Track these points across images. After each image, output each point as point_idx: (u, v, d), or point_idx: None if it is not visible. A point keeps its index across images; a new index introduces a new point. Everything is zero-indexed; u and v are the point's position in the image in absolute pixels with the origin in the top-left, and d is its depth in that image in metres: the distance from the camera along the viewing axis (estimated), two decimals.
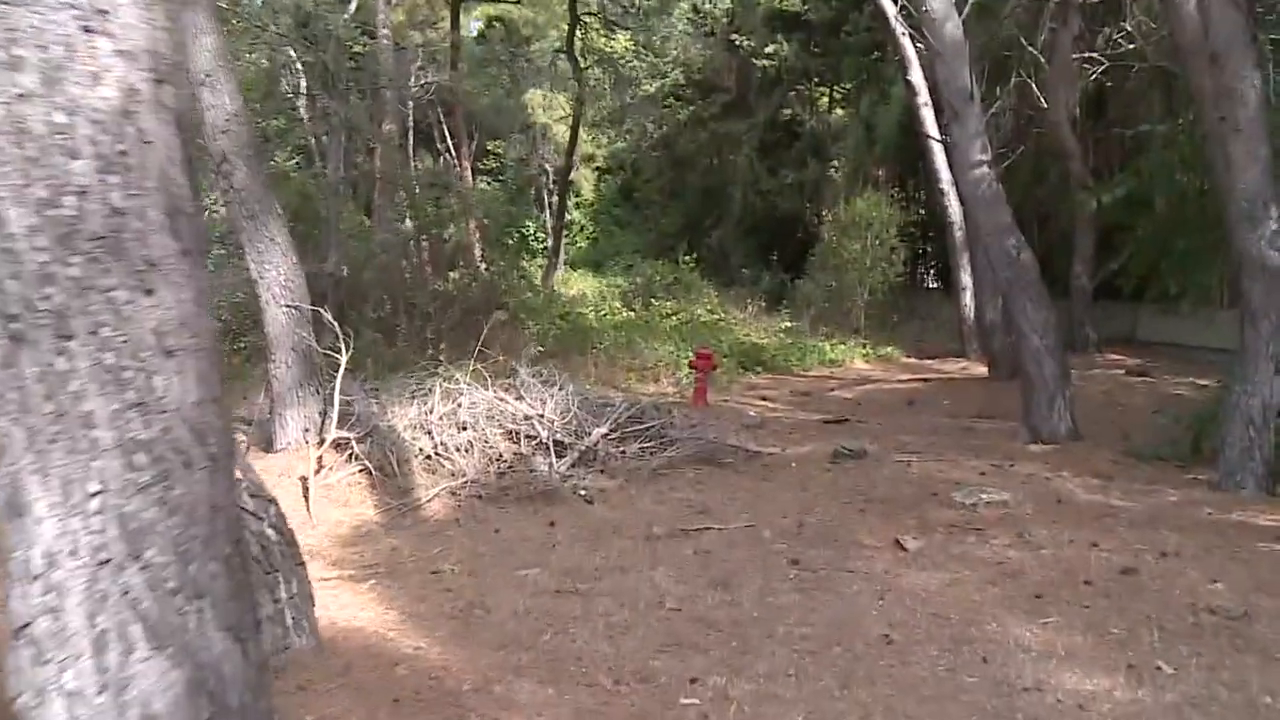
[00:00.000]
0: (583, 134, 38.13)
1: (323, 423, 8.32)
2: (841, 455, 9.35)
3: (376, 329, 14.37)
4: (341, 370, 8.21)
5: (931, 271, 30.08)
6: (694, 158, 34.21)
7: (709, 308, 23.29)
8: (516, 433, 8.55)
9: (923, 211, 26.60)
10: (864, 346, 20.59)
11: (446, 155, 31.11)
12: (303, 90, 19.43)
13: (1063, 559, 6.19)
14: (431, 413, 8.50)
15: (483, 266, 20.45)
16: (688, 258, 26.13)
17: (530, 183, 38.51)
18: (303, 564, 4.23)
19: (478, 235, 22.71)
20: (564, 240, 36.59)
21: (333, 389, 8.13)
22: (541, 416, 8.70)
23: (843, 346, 20.41)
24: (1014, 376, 12.83)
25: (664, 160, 36.48)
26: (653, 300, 24.07)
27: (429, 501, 7.56)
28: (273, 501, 4.14)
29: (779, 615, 5.33)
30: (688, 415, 11.52)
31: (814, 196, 30.22)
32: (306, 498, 7.51)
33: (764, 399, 14.73)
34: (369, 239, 15.80)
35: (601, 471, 8.49)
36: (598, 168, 40.18)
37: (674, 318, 21.91)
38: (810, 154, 31.16)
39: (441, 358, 13.39)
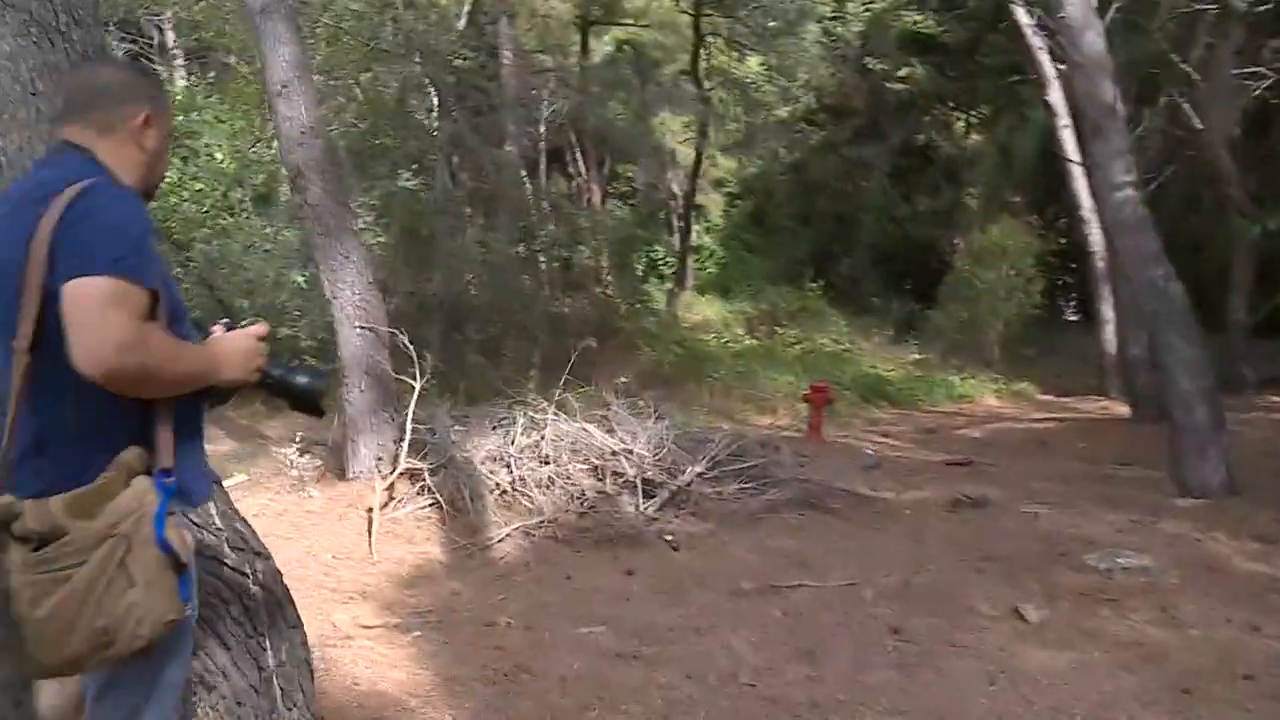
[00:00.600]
0: (712, 157, 37.68)
1: (397, 452, 7.82)
2: (962, 503, 8.49)
3: (481, 352, 13.92)
4: (415, 396, 7.72)
5: (1071, 303, 28.65)
6: (825, 183, 33.29)
7: (834, 337, 22.42)
8: (603, 469, 7.92)
9: (1062, 240, 25.30)
10: (996, 381, 19.46)
11: (579, 179, 30.86)
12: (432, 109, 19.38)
13: (1216, 643, 5.30)
14: (512, 444, 7.91)
15: (608, 291, 20.01)
16: (814, 284, 25.26)
17: (661, 206, 38.08)
18: (298, 625, 3.63)
19: (606, 259, 22.33)
20: (692, 265, 36.09)
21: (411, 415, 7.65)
22: (630, 452, 8.05)
23: (973, 381, 19.32)
24: (1160, 419, 11.72)
25: (795, 185, 35.62)
26: (777, 328, 23.30)
27: (500, 542, 6.97)
28: (261, 555, 3.55)
29: (869, 697, 4.58)
30: (799, 452, 10.76)
31: (948, 224, 29.05)
32: (370, 532, 7.00)
33: (885, 436, 13.84)
34: (478, 259, 15.38)
35: (693, 514, 7.79)
36: (728, 192, 39.58)
37: (797, 346, 21.11)
38: (944, 180, 30.13)
39: (542, 385, 12.91)
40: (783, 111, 36.48)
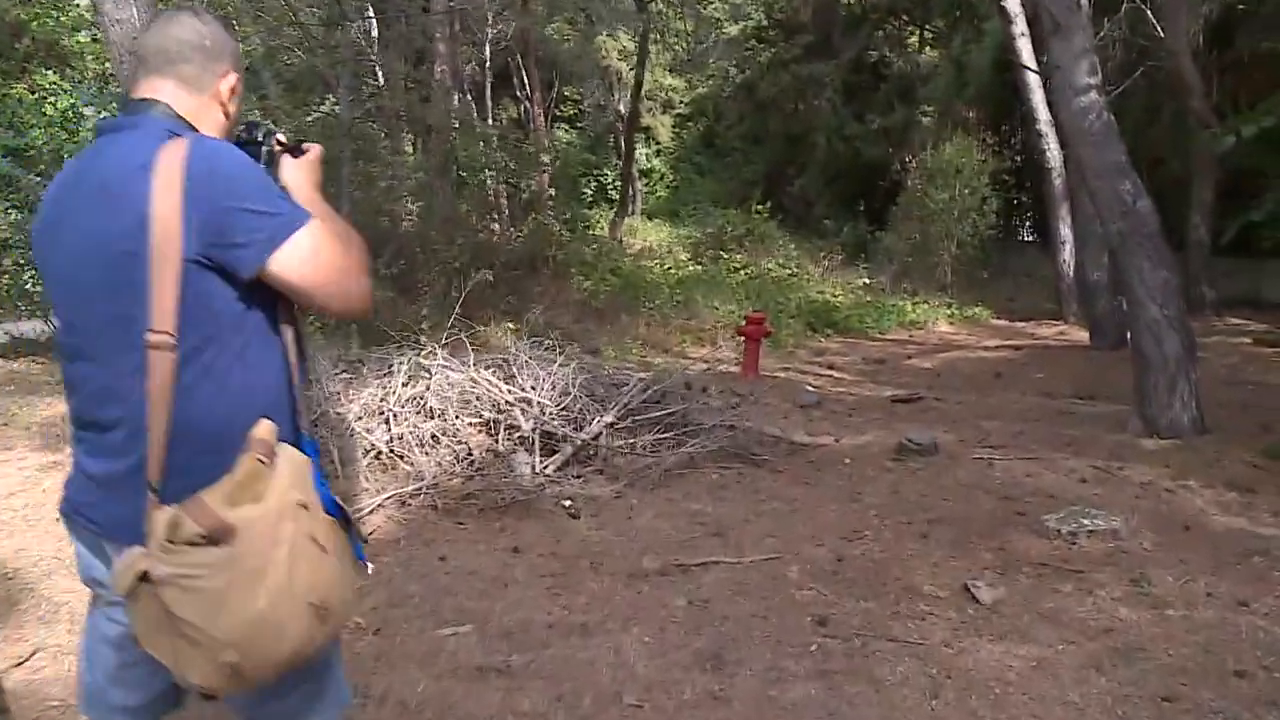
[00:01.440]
0: (661, 78, 36.47)
1: None
2: (907, 450, 7.59)
3: (392, 289, 12.82)
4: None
5: (1027, 224, 27.84)
6: (776, 102, 32.17)
7: (781, 261, 21.44)
8: (496, 423, 6.93)
9: (1018, 158, 24.42)
10: (949, 307, 18.61)
11: (526, 103, 29.55)
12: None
13: (1199, 628, 4.45)
14: (393, 396, 6.89)
15: (541, 218, 18.85)
16: (761, 206, 24.23)
17: (610, 130, 36.92)
18: None
19: (551, 187, 21.18)
20: (641, 189, 35.05)
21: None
22: (529, 402, 7.06)
23: (925, 306, 18.46)
24: (1120, 345, 10.90)
25: (745, 105, 34.53)
26: (723, 253, 22.29)
27: (370, 514, 5.97)
28: None
29: None
30: (732, 391, 9.84)
31: (901, 143, 28.08)
32: None
33: (830, 368, 12.94)
34: (394, 186, 14.18)
35: (600, 473, 6.84)
36: (678, 114, 38.47)
37: (742, 272, 20.14)
38: (897, 97, 29.13)
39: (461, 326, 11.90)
40: (733, 29, 35.45)
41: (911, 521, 5.98)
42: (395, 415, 6.74)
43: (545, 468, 6.61)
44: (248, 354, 1.94)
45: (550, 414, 7.02)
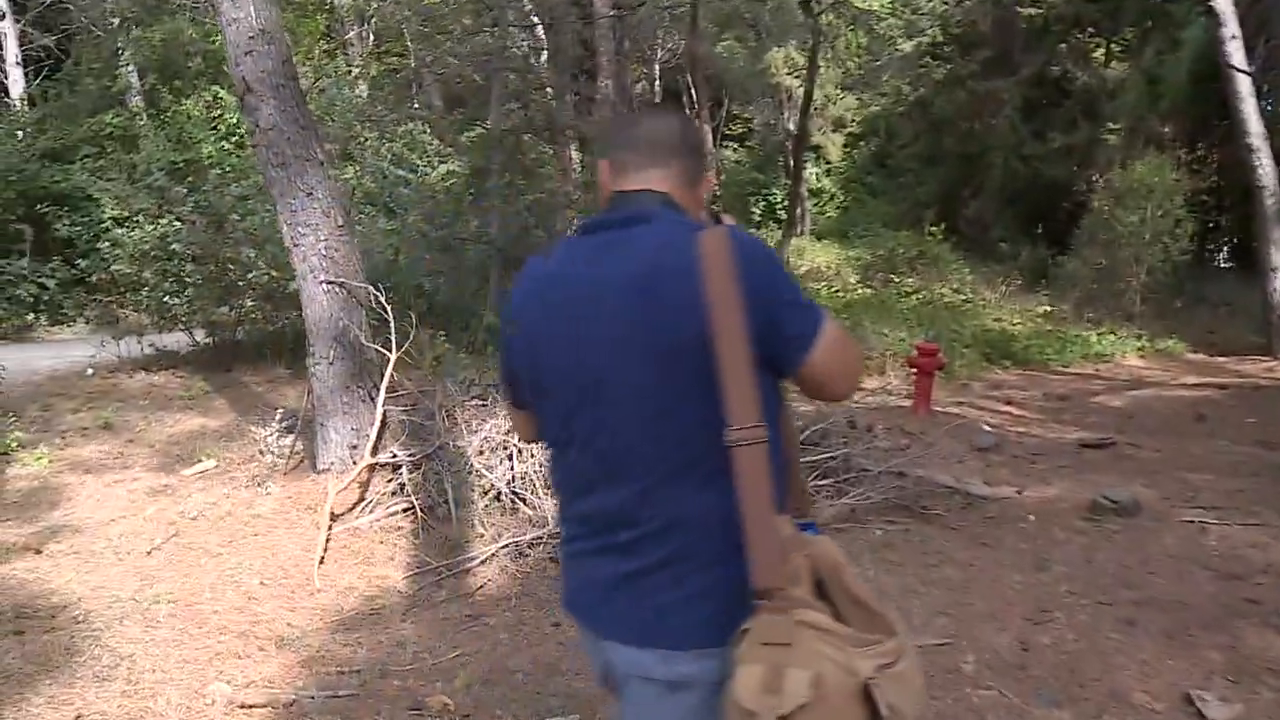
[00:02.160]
0: (832, 95, 35.50)
1: (379, 437, 6.24)
2: (1102, 508, 6.56)
3: None
4: (390, 367, 6.12)
5: (1225, 249, 25.84)
6: (951, 120, 30.76)
7: (955, 286, 20.22)
8: None
9: (1216, 178, 22.62)
10: (1139, 338, 17.10)
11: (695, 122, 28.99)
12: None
13: None
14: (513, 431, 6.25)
15: None
16: (934, 228, 23.01)
17: (779, 149, 36.09)
18: None
19: (718, 206, 20.50)
20: (810, 209, 34.10)
21: (406, 393, 6.06)
22: None
23: (1112, 338, 16.99)
24: None
25: (919, 124, 33.16)
26: (894, 277, 21.18)
27: (481, 564, 5.32)
28: None
29: None
30: (901, 429, 8.92)
31: (1085, 162, 26.39)
32: (326, 545, 5.43)
33: (1009, 404, 11.81)
34: (540, 199, 13.65)
35: None
36: (850, 133, 37.34)
37: (914, 297, 19.01)
38: (1081, 114, 27.38)
39: None
40: (906, 45, 34.25)
41: (1112, 602, 5.01)
42: (519, 451, 6.07)
43: None
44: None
45: None
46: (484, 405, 6.84)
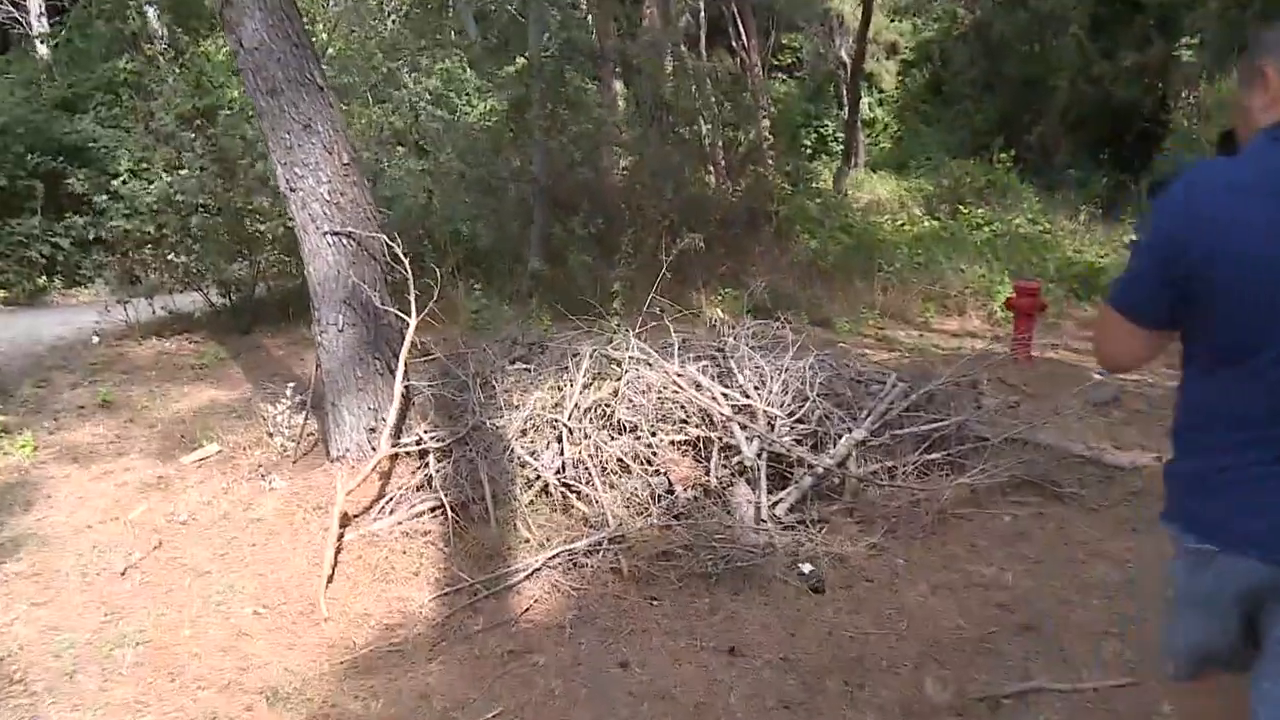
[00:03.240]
0: (883, 20, 33.88)
1: (401, 418, 5.22)
2: None
3: (591, 251, 11.15)
4: (411, 332, 5.07)
5: None
6: (1011, 43, 29.07)
7: (1030, 217, 18.81)
8: (706, 443, 5.12)
9: None
10: None
11: (743, 53, 27.60)
12: None
13: None
14: (568, 402, 5.17)
15: (762, 170, 16.91)
16: (1005, 154, 21.54)
17: (829, 78, 34.52)
18: None
19: (770, 138, 19.16)
20: (863, 140, 32.62)
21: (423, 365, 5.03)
22: (753, 413, 5.23)
23: None
24: None
25: (976, 48, 31.43)
26: (961, 207, 19.78)
27: (527, 578, 4.28)
28: None
29: None
30: (1003, 381, 7.78)
31: (1159, 81, 24.68)
32: (336, 558, 4.43)
33: None
34: (585, 131, 12.43)
35: (850, 513, 4.96)
36: (903, 60, 35.65)
37: (987, 228, 17.63)
38: (1155, 29, 25.62)
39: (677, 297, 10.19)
40: None
41: None
42: (569, 431, 5.02)
43: (774, 505, 4.77)
44: None
45: (780, 429, 5.17)
46: (528, 370, 5.79)
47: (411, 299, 5.17)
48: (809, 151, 29.87)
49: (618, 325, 6.03)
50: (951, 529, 4.89)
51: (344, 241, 5.09)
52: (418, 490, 4.93)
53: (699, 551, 4.31)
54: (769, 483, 4.93)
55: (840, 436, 5.22)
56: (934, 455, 5.38)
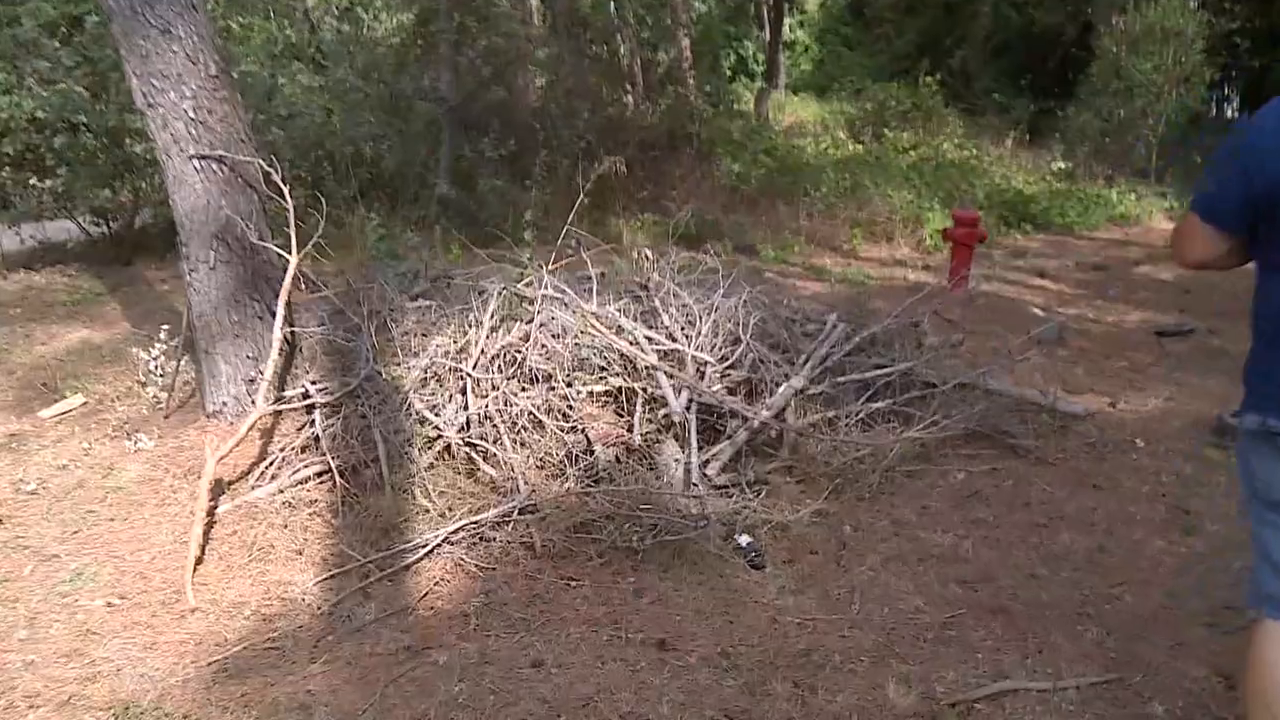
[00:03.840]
0: None
1: (285, 368, 4.62)
2: (1229, 428, 5.05)
3: (503, 177, 10.48)
4: (292, 270, 4.44)
5: (1236, 100, 24.06)
6: None
7: (956, 142, 18.42)
8: (630, 395, 4.59)
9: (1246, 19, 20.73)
10: (1164, 197, 15.52)
11: None
12: None
13: None
14: (473, 348, 4.60)
15: (681, 89, 16.23)
16: (930, 78, 21.08)
17: None
18: None
19: (690, 58, 18.42)
20: (784, 62, 31.99)
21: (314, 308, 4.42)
22: (681, 359, 4.72)
23: (1132, 197, 15.41)
24: None
25: None
26: (886, 131, 19.32)
27: (427, 554, 3.75)
28: None
29: None
30: (943, 316, 7.35)
31: (1078, 7, 24.37)
32: (206, 535, 3.85)
33: (1042, 276, 10.23)
34: (493, 45, 11.64)
35: (790, 471, 4.48)
36: None
37: (912, 152, 17.22)
38: None
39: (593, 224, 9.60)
40: None
41: None
42: (476, 382, 4.46)
43: (706, 465, 4.28)
44: None
45: (711, 377, 4.67)
46: (432, 310, 5.18)
47: (292, 231, 4.52)
48: (729, 72, 29.23)
49: (530, 259, 5.44)
50: (900, 489, 4.46)
51: (214, 167, 4.42)
52: (303, 452, 4.34)
53: (622, 522, 3.80)
54: (700, 438, 4.44)
55: (777, 385, 4.73)
56: (878, 404, 4.93)
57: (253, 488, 4.16)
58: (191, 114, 4.34)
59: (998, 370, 5.65)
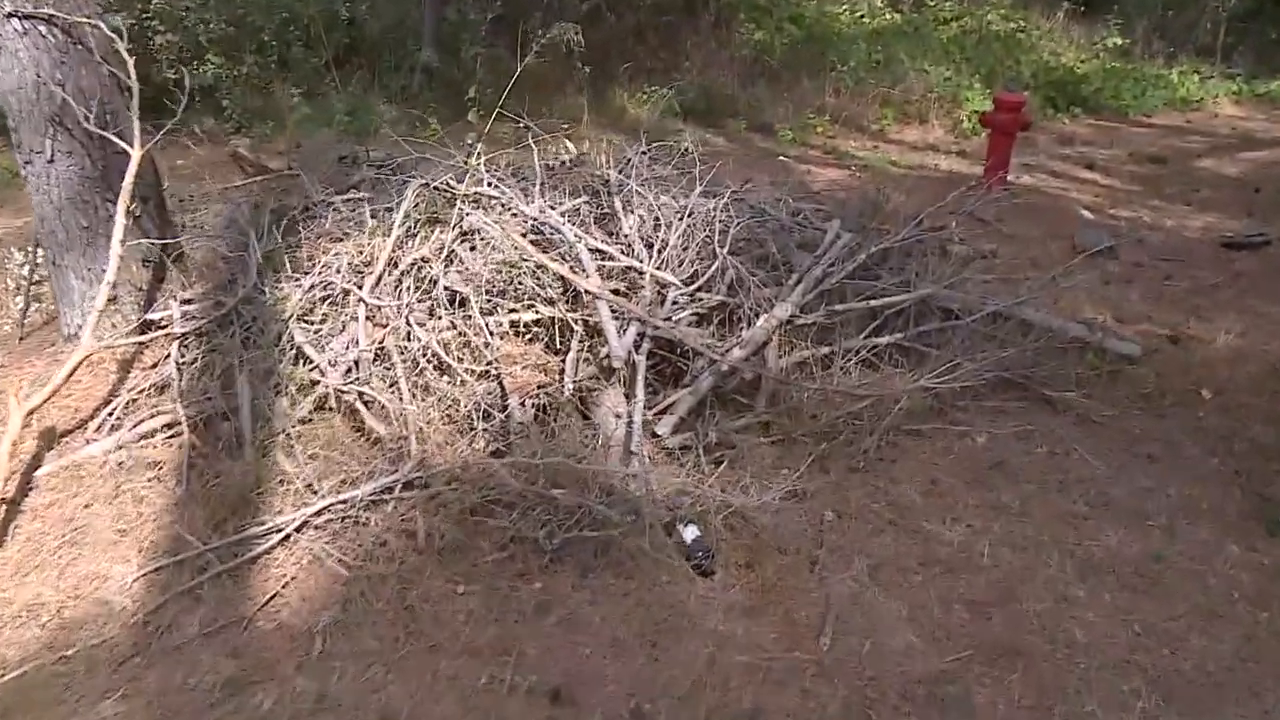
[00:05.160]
0: None
1: (154, 288, 3.75)
2: None
3: (486, 43, 9.40)
4: (134, 166, 3.51)
5: None
6: None
7: (1003, 12, 17.00)
8: (564, 328, 3.67)
9: None
10: (1232, 79, 14.17)
11: None
12: None
13: None
14: (375, 264, 3.69)
15: None
16: None
17: None
18: None
19: None
20: None
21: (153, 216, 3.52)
22: (636, 279, 3.81)
23: (1196, 79, 14.07)
24: None
25: None
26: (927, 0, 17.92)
27: (282, 541, 2.91)
28: None
29: None
30: (973, 216, 6.37)
31: None
32: (12, 509, 3.03)
33: (1090, 168, 9.12)
34: None
35: (765, 429, 3.58)
36: None
37: (954, 24, 15.87)
38: None
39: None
40: None
41: None
42: (377, 309, 3.55)
43: (655, 426, 3.39)
44: None
45: (674, 303, 3.74)
46: (360, 206, 4.24)
47: (135, 117, 3.58)
48: None
49: (472, 143, 4.49)
50: (904, 455, 3.56)
51: (43, 30, 3.46)
52: (162, 393, 3.47)
53: (534, 506, 2.93)
54: (656, 384, 3.55)
55: (758, 314, 3.81)
56: (883, 338, 4.00)
57: (87, 441, 3.31)
58: None
59: (1035, 293, 4.69)
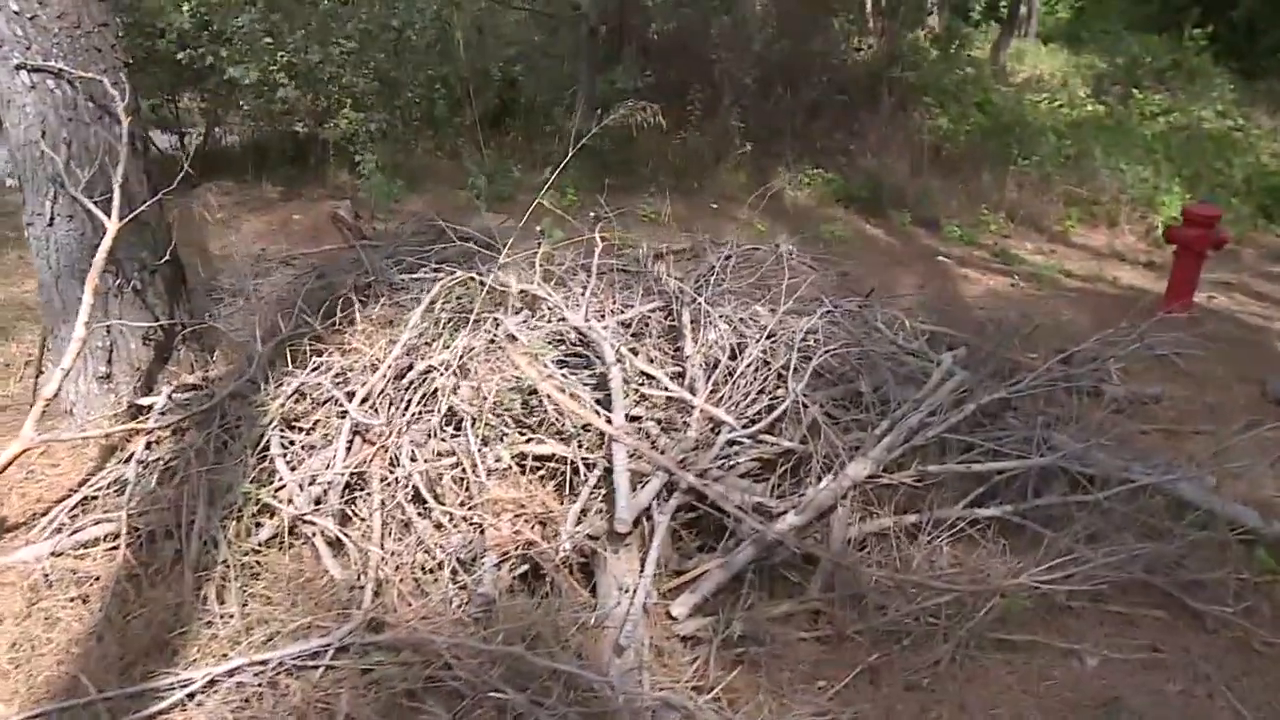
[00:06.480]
0: None
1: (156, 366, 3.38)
2: None
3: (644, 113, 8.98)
4: (108, 241, 3.13)
5: None
6: None
7: (1220, 109, 15.71)
8: (578, 470, 3.11)
9: None
10: None
11: None
12: None
13: None
14: (367, 373, 3.22)
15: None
16: (1198, 30, 18.22)
17: None
18: None
19: None
20: (1039, 7, 29.12)
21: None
22: (680, 419, 3.23)
23: None
24: None
25: None
26: (1135, 91, 16.78)
27: (182, 705, 2.41)
28: None
29: None
30: (1146, 343, 5.49)
31: None
32: None
33: None
34: None
35: (815, 617, 2.92)
36: None
37: (1162, 119, 14.73)
38: None
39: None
40: None
41: None
42: (365, 428, 3.07)
43: (670, 598, 2.79)
44: None
45: (732, 446, 3.14)
46: (418, 287, 3.80)
47: (116, 185, 3.20)
48: (976, 17, 26.65)
49: (546, 228, 4.00)
50: (982, 675, 2.83)
51: (50, 84, 3.13)
52: (121, 493, 3.06)
53: (481, 702, 2.37)
54: (686, 540, 2.95)
55: (830, 467, 3.17)
56: (987, 510, 3.29)
57: (27, 541, 2.92)
58: (14, 2, 3.05)
59: (1200, 460, 3.88)
